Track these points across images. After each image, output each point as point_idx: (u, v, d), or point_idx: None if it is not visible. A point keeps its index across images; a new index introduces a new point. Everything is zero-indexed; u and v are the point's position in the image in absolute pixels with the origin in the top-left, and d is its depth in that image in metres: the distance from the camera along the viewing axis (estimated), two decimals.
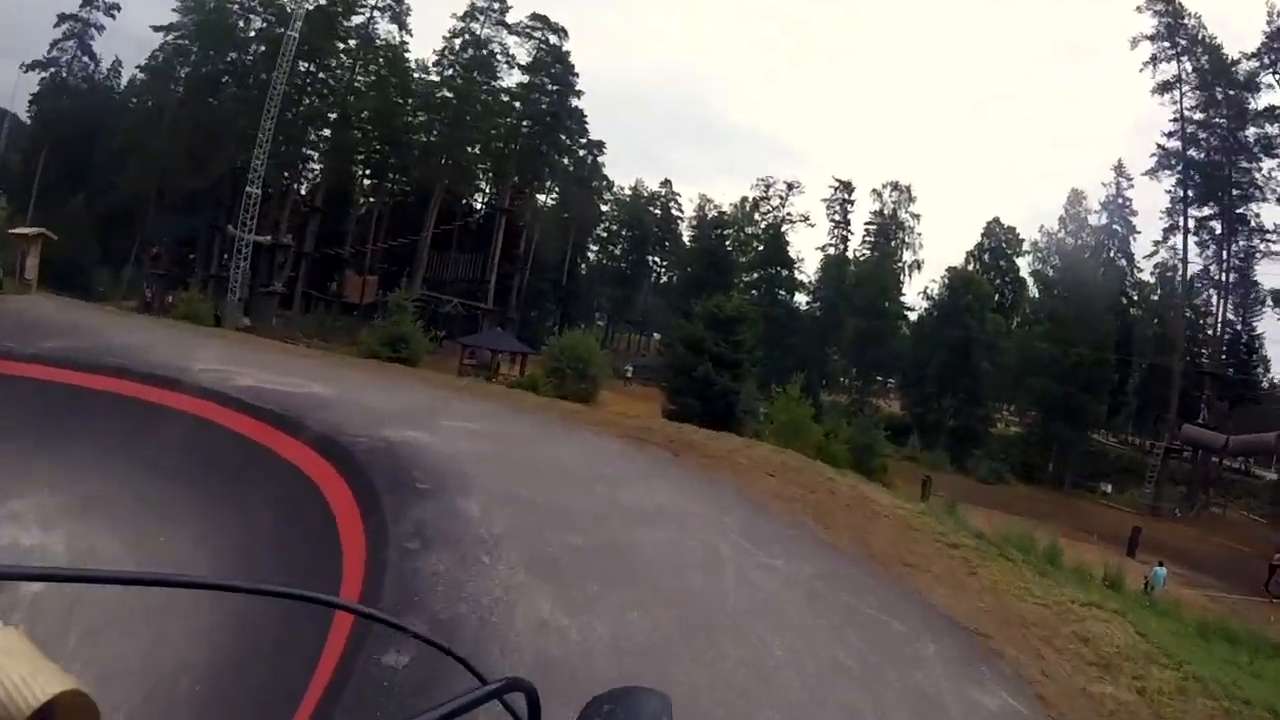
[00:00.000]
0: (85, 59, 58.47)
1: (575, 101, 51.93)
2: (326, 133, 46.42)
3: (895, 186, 57.37)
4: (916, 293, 58.74)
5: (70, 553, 6.73)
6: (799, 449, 16.12)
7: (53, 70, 56.49)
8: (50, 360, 11.04)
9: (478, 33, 49.98)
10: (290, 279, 42.61)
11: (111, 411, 9.44)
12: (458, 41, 49.80)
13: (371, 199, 50.36)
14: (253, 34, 47.30)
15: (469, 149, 47.22)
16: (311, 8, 44.50)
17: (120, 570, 0.49)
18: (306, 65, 45.21)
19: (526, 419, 12.40)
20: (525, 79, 50.08)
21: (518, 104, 49.49)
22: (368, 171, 49.65)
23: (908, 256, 56.45)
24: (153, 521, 7.13)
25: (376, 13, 47.93)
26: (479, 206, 51.15)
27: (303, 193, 46.67)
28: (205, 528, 6.91)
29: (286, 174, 45.05)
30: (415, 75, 48.89)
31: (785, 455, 11.64)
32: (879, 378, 56.01)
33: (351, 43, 47.10)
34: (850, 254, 57.09)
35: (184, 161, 44.38)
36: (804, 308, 54.22)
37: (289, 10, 43.67)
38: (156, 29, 49.54)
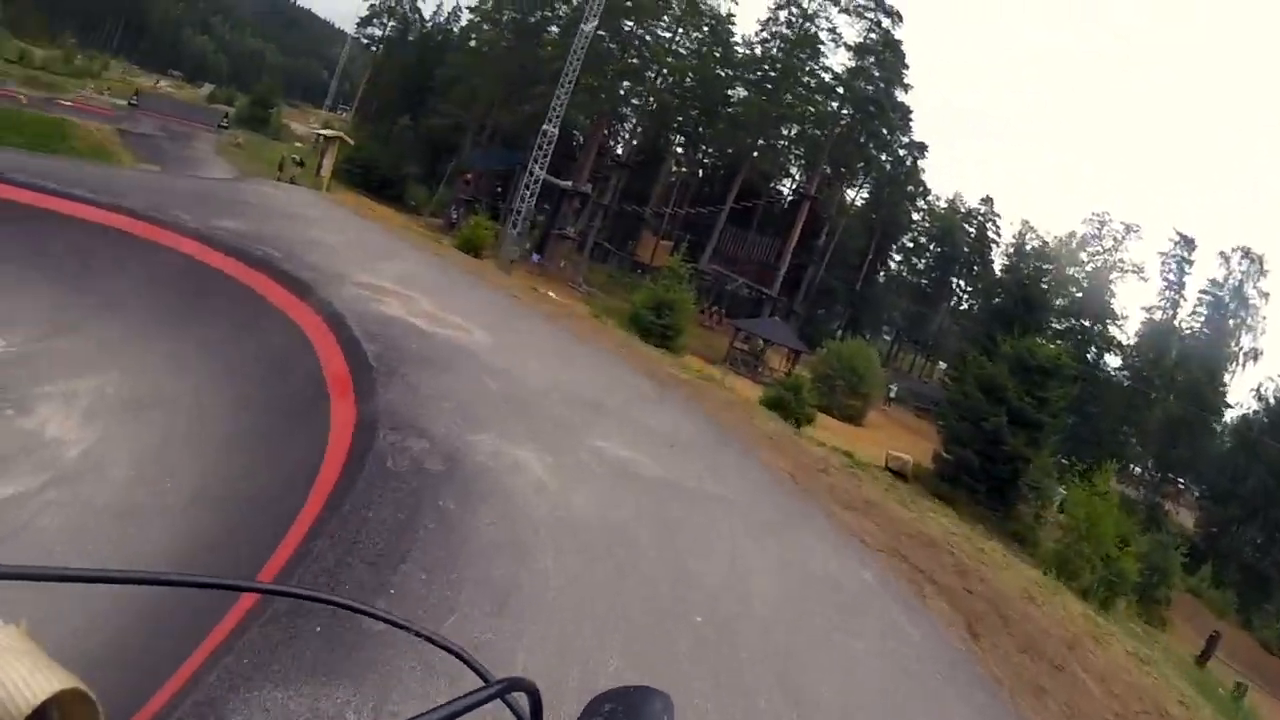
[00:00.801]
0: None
1: (901, 95, 47.73)
2: (641, 92, 45.66)
3: (1246, 254, 48.25)
4: (1248, 389, 49.29)
5: None
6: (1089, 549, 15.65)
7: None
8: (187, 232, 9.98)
9: (804, 5, 47.47)
10: (586, 229, 42.17)
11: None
12: (783, 14, 47.51)
13: (679, 166, 49.30)
14: None
15: (782, 129, 44.58)
16: None
17: (120, 570, 0.49)
18: (630, 24, 44.52)
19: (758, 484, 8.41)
20: (851, 63, 46.50)
21: (839, 88, 45.88)
22: (679, 138, 48.53)
23: (1245, 341, 47.25)
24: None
25: None
26: (784, 190, 48.62)
27: (618, 151, 46.32)
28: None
29: (593, 122, 44.75)
30: (736, 47, 47.02)
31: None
32: (1178, 479, 47.05)
33: (675, 7, 45.82)
34: (1178, 323, 48.63)
35: (502, 98, 45.79)
36: (1113, 373, 46.49)
37: None
38: None
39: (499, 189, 43.61)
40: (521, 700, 0.66)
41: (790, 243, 41.62)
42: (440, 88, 51.23)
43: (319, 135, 29.59)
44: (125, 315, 8.16)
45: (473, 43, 52.80)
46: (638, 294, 26.34)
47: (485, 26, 52.09)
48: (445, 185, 45.44)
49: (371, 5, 63.48)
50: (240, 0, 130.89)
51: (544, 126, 39.31)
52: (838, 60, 46.76)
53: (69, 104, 37.43)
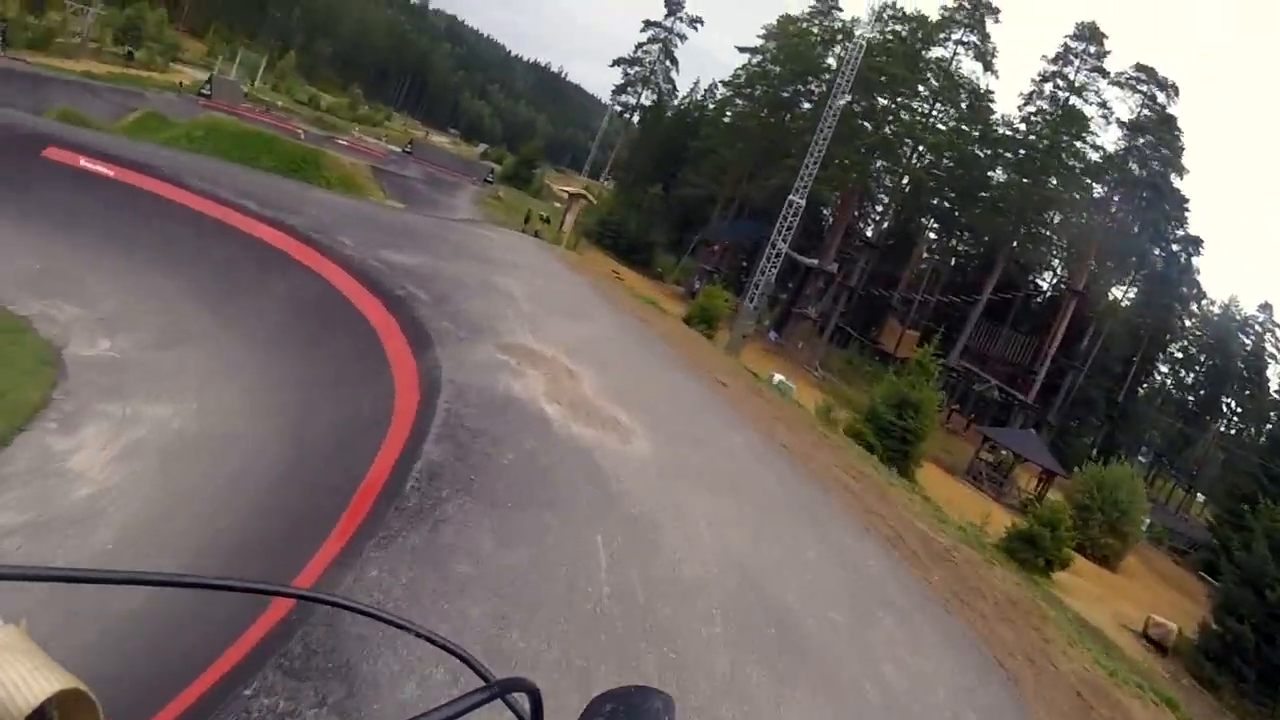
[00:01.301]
0: (667, 63, 68.93)
1: (1177, 180, 43.00)
2: (894, 170, 44.97)
3: None
4: None
5: None
6: None
7: (636, 69, 69.07)
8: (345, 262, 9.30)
9: (1070, 78, 44.25)
10: (828, 310, 42.10)
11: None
12: (1047, 87, 44.79)
13: (931, 251, 47.87)
14: (831, 62, 47.98)
15: (1045, 215, 41.70)
16: (892, 39, 43.56)
17: (121, 570, 0.49)
18: (884, 99, 44.06)
19: None
20: (1122, 143, 42.72)
21: (1109, 171, 42.38)
22: (932, 221, 47.18)
23: None
24: None
25: (960, 48, 45.23)
26: (1044, 284, 45.46)
27: (867, 232, 46.03)
28: None
29: (842, 199, 44.68)
30: (996, 125, 44.82)
31: None
32: None
33: (932, 80, 44.76)
34: None
35: (751, 171, 47.34)
36: None
37: (865, 41, 42.90)
38: (741, 50, 53.67)
39: (744, 262, 44.99)
40: (522, 700, 0.67)
41: (1050, 344, 38.45)
42: (693, 159, 53.87)
43: (566, 193, 32.77)
44: (234, 336, 7.77)
45: (726, 117, 55.02)
46: (878, 386, 24.97)
47: (738, 101, 54.24)
48: (691, 255, 47.69)
49: (626, 74, 69.55)
50: (516, 73, 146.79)
51: (790, 197, 39.80)
52: (1108, 139, 43.01)
53: (344, 143, 41.04)
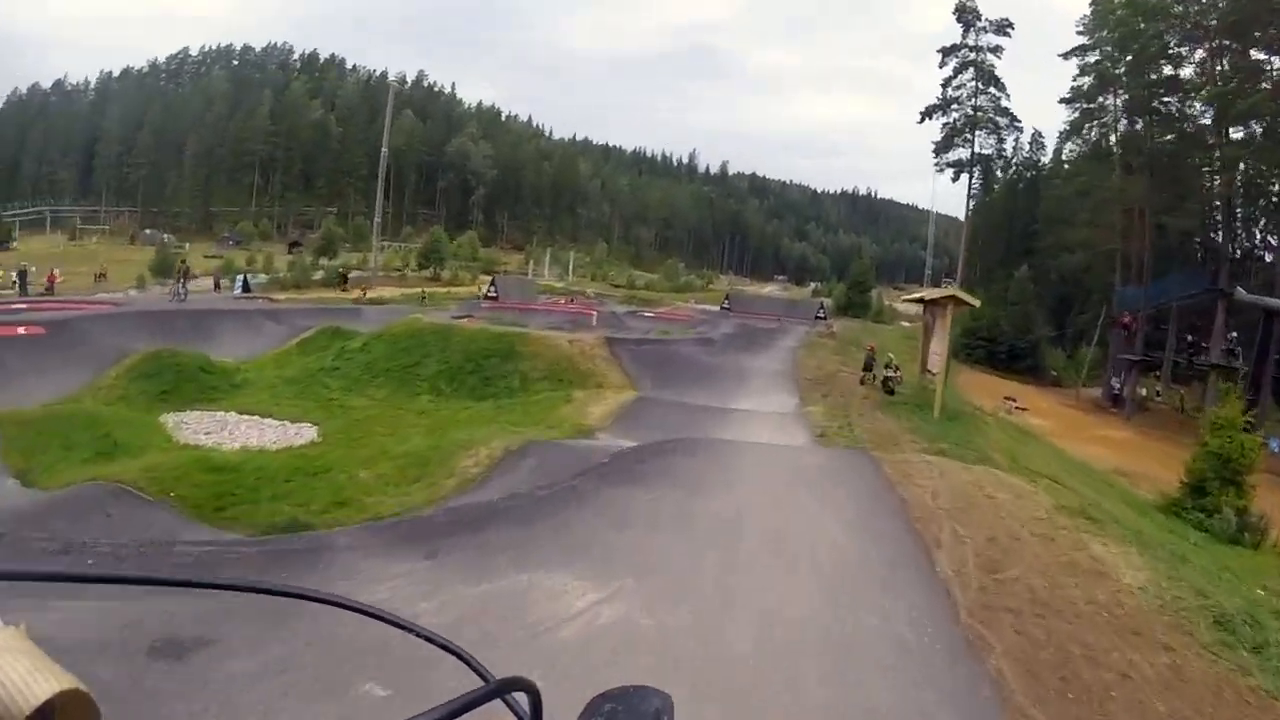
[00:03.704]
0: (991, 90, 49.62)
1: None
2: None
3: None
4: None
5: None
6: None
7: (955, 112, 51.03)
8: None
9: None
10: None
11: None
12: None
13: None
14: None
15: None
16: None
17: (120, 570, 0.48)
18: None
19: None
20: None
21: None
22: None
23: None
24: None
25: None
26: None
27: None
28: None
29: None
30: None
31: None
32: None
33: None
34: None
35: (1140, 211, 35.28)
36: None
37: None
38: (1066, 56, 42.25)
39: (1188, 336, 31.84)
40: (522, 700, 0.66)
41: None
42: (1043, 222, 43.57)
43: (921, 299, 18.07)
44: None
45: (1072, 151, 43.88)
46: None
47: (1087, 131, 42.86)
48: (1096, 343, 35.76)
49: (945, 125, 51.31)
50: (826, 207, 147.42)
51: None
52: None
53: (649, 315, 38.50)
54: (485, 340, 18.95)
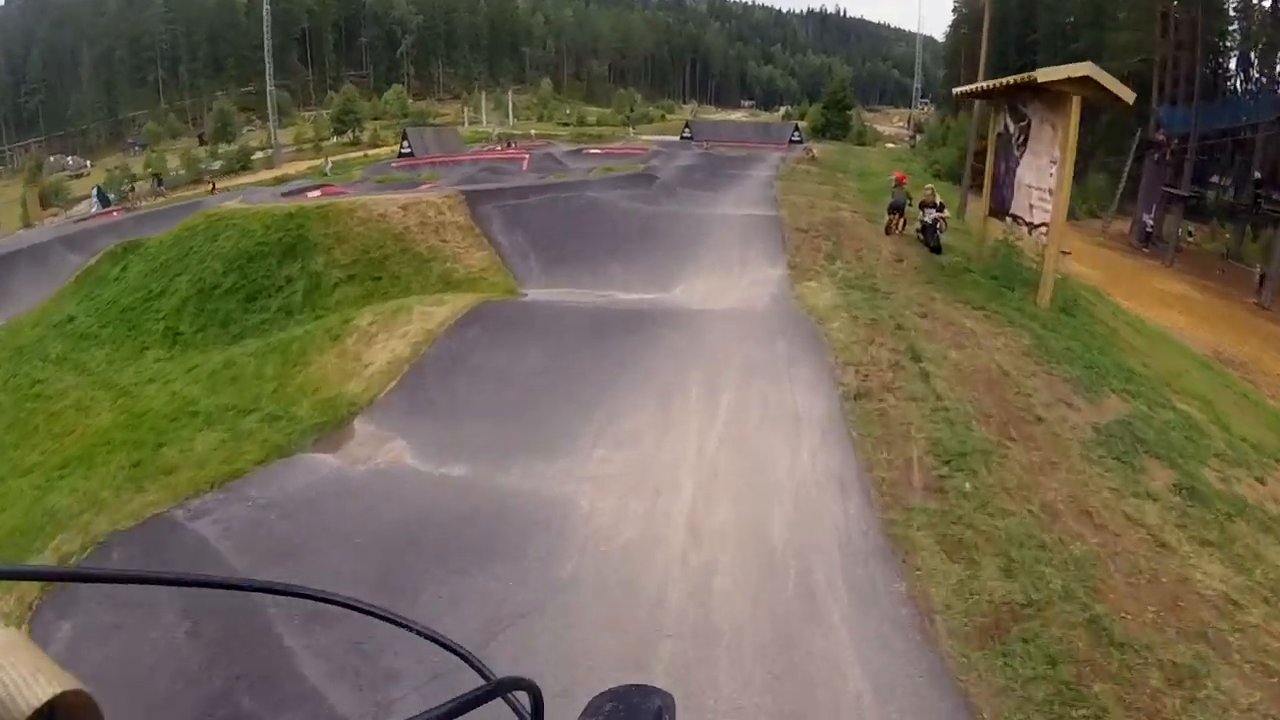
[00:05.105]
0: None
1: None
2: None
3: None
4: None
5: None
6: None
7: None
8: None
9: None
10: None
11: None
12: None
13: None
14: None
15: None
16: None
17: (120, 570, 0.48)
18: None
19: None
20: None
21: None
22: None
23: None
24: None
25: None
26: None
27: None
28: None
29: None
30: None
31: None
32: None
33: None
34: None
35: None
36: None
37: None
38: None
39: (1256, 174, 26.45)
40: (522, 699, 0.66)
41: None
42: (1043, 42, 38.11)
43: (993, 88, 10.27)
44: None
45: None
46: None
47: None
48: (1127, 172, 30.68)
49: None
50: (793, 28, 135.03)
51: None
52: None
53: (596, 152, 36.60)
54: (260, 232, 12.82)
